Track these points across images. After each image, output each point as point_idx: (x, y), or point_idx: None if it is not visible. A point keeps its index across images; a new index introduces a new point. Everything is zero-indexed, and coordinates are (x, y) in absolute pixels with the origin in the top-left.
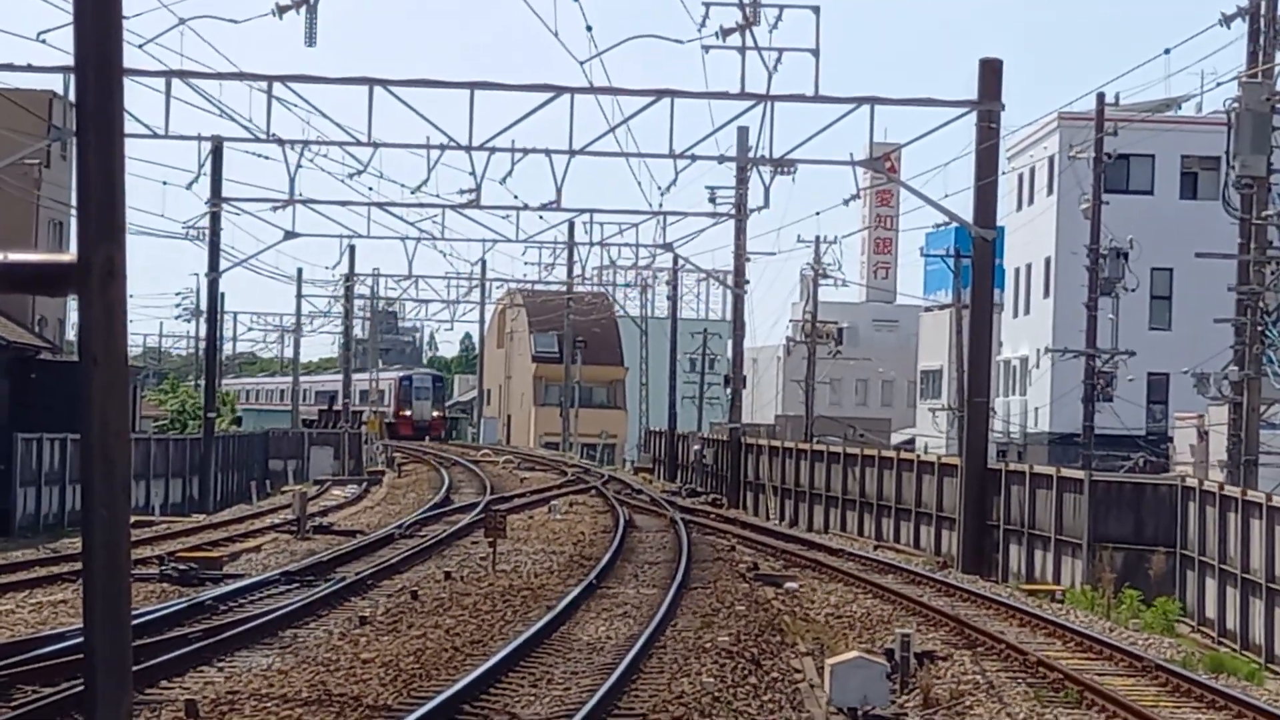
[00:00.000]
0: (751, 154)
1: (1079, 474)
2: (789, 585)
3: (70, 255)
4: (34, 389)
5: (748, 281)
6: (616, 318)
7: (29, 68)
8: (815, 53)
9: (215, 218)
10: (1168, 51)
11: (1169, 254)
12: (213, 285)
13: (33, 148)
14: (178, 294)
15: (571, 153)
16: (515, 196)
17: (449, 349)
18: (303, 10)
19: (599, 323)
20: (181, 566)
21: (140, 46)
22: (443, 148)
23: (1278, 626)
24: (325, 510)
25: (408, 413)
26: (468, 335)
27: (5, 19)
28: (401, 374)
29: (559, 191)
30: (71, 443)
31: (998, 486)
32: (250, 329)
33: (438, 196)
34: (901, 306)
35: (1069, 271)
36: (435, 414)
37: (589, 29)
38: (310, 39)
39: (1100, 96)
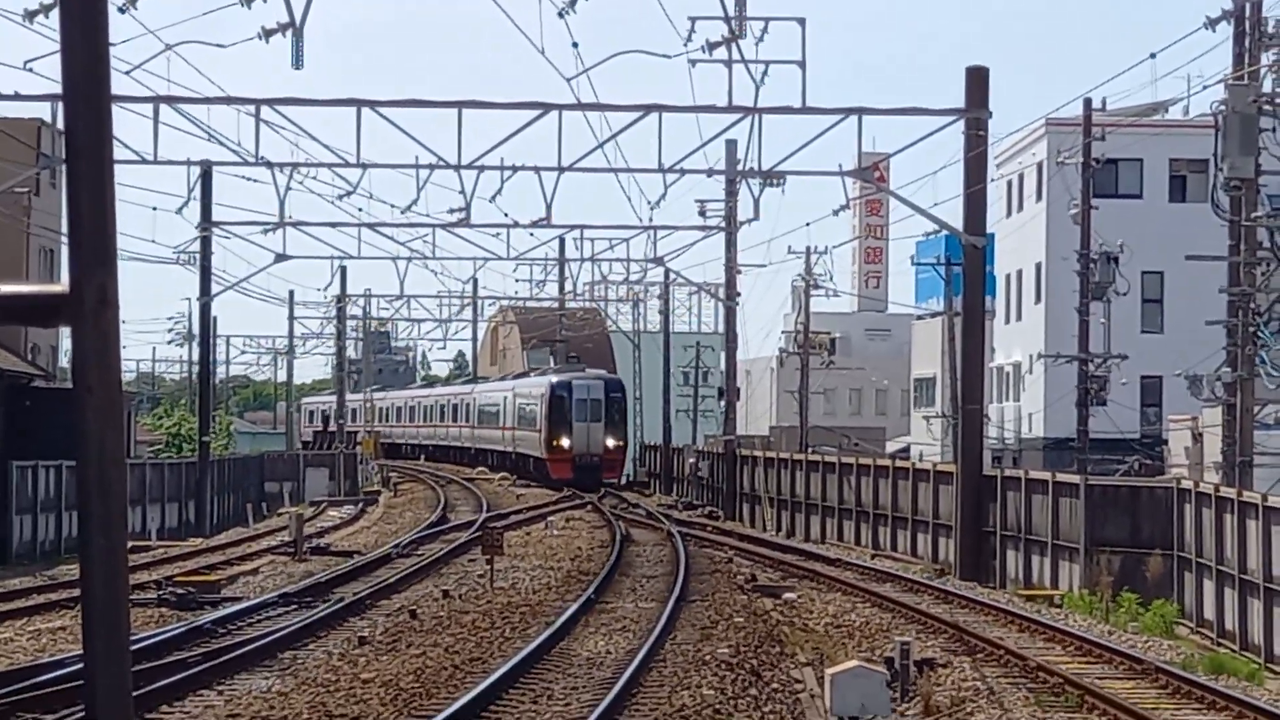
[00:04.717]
0: (740, 167)
1: (1074, 478)
2: (787, 596)
3: (62, 286)
4: (29, 417)
5: (739, 294)
6: (609, 333)
7: (16, 96)
8: (802, 65)
9: (206, 242)
10: (1154, 56)
11: (1159, 257)
12: (205, 309)
13: (22, 176)
14: (170, 318)
15: (560, 169)
16: (505, 214)
17: (442, 367)
18: (289, 33)
19: (592, 338)
20: (179, 590)
21: (128, 73)
22: (432, 167)
23: (1276, 626)
24: (322, 531)
25: (565, 442)
26: (461, 354)
27: None
28: (555, 380)
29: (549, 208)
30: (67, 470)
31: (994, 493)
32: (243, 352)
33: (428, 216)
34: (893, 315)
35: (1060, 277)
36: (611, 443)
37: (575, 46)
38: (297, 62)
39: (1087, 102)
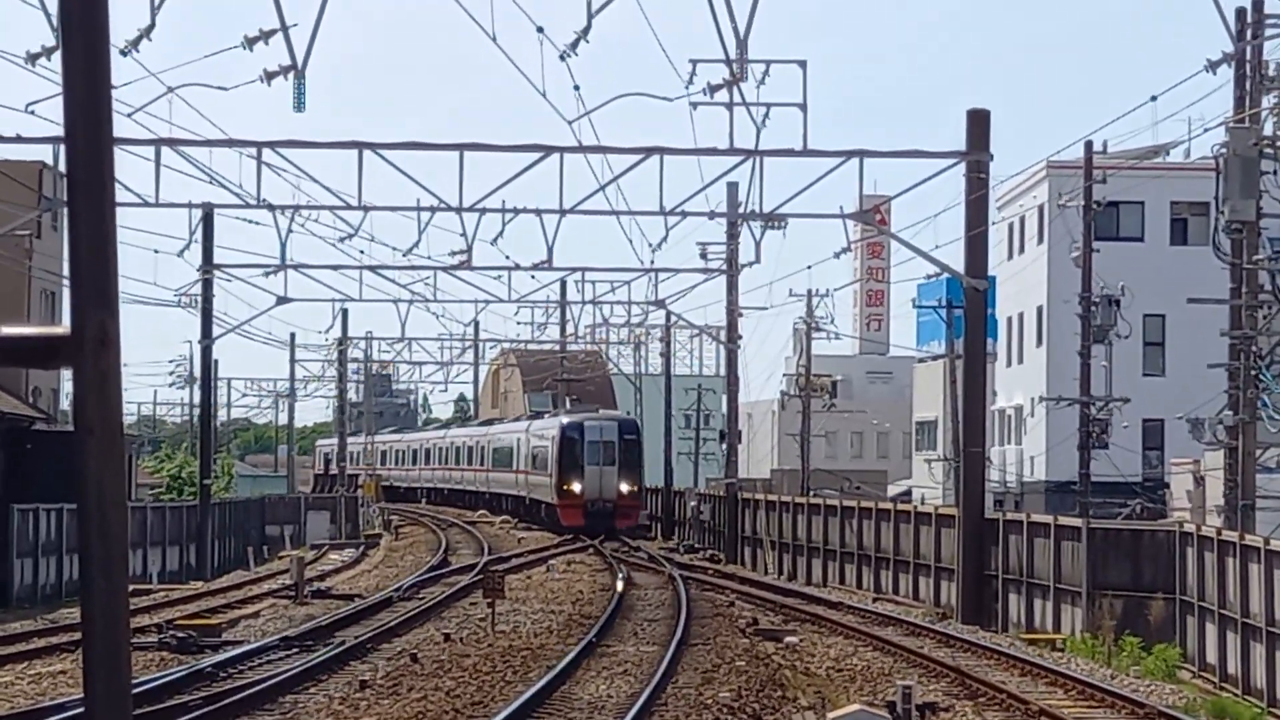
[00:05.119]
0: (742, 209)
1: (1076, 522)
2: (789, 639)
3: (63, 328)
4: (29, 460)
5: (741, 336)
6: (610, 375)
7: (18, 139)
8: (803, 107)
9: (207, 285)
10: (1154, 98)
11: (1161, 300)
12: (206, 352)
13: (24, 219)
14: (171, 361)
15: (562, 212)
16: (507, 257)
17: (443, 410)
18: (291, 76)
19: (593, 381)
20: (180, 634)
21: (129, 116)
22: (433, 209)
23: (1279, 670)
24: (323, 574)
25: (577, 487)
26: (462, 396)
27: None
28: (567, 421)
29: (550, 251)
30: (68, 513)
31: (995, 536)
32: (244, 395)
33: (429, 258)
34: (895, 358)
35: (1061, 320)
36: (625, 488)
37: (577, 89)
38: (299, 104)
39: (1088, 144)
